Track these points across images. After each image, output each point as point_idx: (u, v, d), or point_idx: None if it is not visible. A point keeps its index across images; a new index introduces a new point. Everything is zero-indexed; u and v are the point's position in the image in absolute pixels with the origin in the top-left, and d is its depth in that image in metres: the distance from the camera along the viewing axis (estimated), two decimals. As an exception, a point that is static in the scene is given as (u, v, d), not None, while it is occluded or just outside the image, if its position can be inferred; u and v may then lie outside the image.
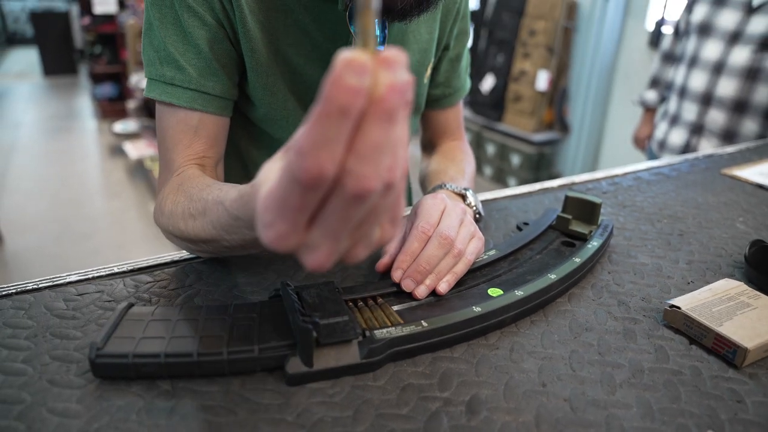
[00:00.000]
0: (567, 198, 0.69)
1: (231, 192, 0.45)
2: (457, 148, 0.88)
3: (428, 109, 0.86)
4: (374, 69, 0.24)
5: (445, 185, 0.70)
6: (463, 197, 0.69)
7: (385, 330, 0.46)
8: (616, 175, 0.98)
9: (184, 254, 0.62)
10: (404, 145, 0.28)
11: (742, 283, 0.58)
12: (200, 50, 0.60)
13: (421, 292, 0.53)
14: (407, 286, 0.53)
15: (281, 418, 0.40)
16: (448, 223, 0.56)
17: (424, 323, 0.47)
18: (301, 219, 0.28)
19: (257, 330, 0.45)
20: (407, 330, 0.46)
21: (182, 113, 0.61)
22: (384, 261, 0.57)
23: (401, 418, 0.40)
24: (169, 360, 0.42)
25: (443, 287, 0.54)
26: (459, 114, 0.90)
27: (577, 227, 0.67)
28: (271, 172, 0.34)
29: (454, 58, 0.82)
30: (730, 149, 1.21)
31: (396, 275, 0.54)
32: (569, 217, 0.67)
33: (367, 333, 0.45)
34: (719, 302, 0.54)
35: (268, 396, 0.42)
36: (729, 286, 0.57)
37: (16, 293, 0.54)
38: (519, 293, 0.53)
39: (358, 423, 0.40)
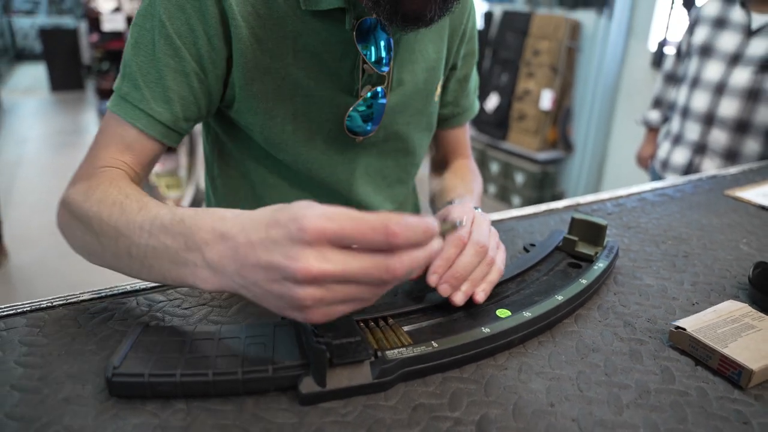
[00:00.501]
0: (573, 220, 0.70)
1: (182, 209, 0.48)
2: (465, 166, 0.89)
3: (437, 128, 0.87)
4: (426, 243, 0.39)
5: (453, 203, 0.71)
6: (472, 217, 0.70)
7: (396, 350, 0.47)
8: (621, 196, 0.99)
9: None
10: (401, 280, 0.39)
11: (746, 304, 0.59)
12: (162, 76, 0.61)
13: (458, 298, 0.53)
14: (444, 290, 0.53)
15: (294, 438, 0.41)
16: (481, 231, 0.57)
17: (435, 344, 0.48)
18: (337, 239, 0.38)
19: (271, 350, 0.46)
20: (418, 350, 0.47)
21: (123, 126, 0.63)
22: None
23: (412, 438, 0.41)
24: (185, 379, 0.42)
25: (480, 296, 0.54)
26: (466, 134, 0.92)
27: (583, 249, 0.68)
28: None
29: (462, 78, 0.84)
30: (733, 170, 1.22)
31: (432, 279, 0.54)
32: (575, 238, 0.68)
33: (379, 353, 0.46)
34: (724, 324, 0.55)
35: (282, 415, 0.42)
36: (733, 308, 0.58)
37: (31, 311, 0.55)
38: (527, 314, 0.53)
39: (370, 443, 0.40)
